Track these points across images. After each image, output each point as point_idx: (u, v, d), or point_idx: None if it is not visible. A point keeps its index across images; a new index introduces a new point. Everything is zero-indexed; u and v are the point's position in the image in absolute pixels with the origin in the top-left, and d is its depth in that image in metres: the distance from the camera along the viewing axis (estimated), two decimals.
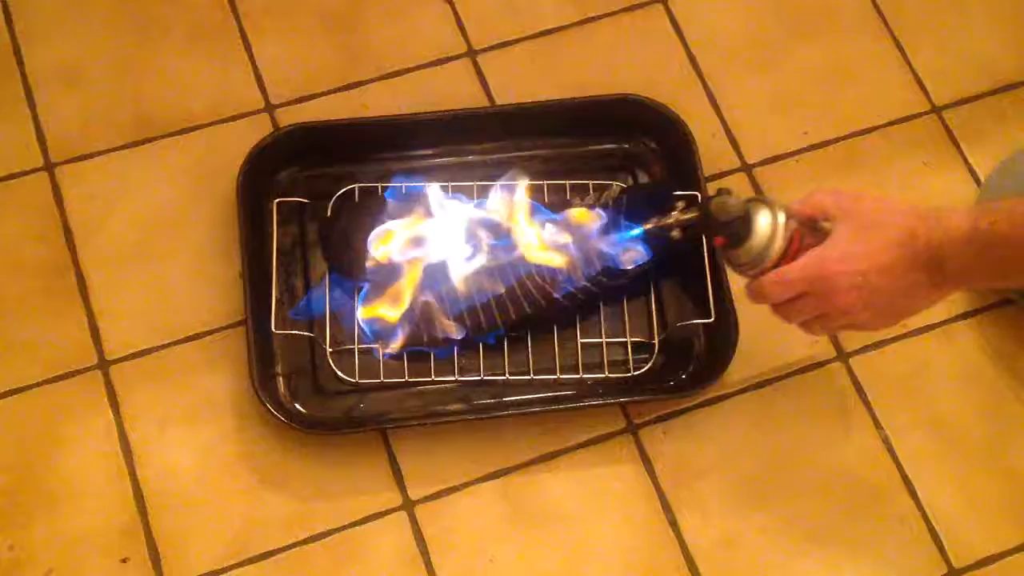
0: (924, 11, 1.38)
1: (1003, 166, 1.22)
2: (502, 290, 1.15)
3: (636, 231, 1.08)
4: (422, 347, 1.17)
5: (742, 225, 0.99)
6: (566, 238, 1.16)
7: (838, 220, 0.97)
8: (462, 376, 1.17)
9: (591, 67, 1.34)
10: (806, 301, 0.99)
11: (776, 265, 0.99)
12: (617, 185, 1.22)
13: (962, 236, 0.93)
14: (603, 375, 1.18)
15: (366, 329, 1.17)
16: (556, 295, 1.16)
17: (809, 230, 0.99)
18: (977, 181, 1.29)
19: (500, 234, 1.16)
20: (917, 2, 1.38)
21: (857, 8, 1.38)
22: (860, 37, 1.37)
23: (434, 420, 1.17)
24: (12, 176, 1.26)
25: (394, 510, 1.14)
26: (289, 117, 1.29)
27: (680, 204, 1.03)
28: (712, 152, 1.28)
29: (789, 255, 0.99)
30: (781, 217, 0.99)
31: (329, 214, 1.22)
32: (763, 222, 0.99)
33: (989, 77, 1.35)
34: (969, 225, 0.92)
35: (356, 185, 1.22)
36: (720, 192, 1.00)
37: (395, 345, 1.16)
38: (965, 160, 1.31)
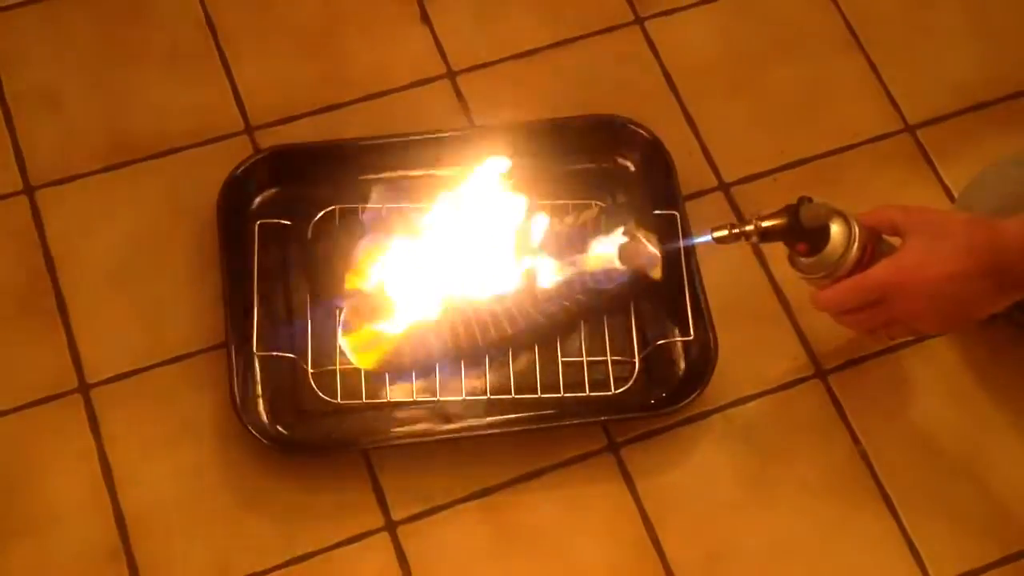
0: (897, 32, 1.39)
1: (975, 182, 1.24)
2: (484, 310, 1.15)
3: (704, 239, 1.08)
4: (404, 367, 1.17)
5: (821, 233, 1.02)
6: (547, 257, 1.16)
7: (909, 232, 1.01)
8: (444, 396, 1.18)
9: (569, 88, 1.35)
10: (878, 309, 1.02)
11: (849, 274, 1.02)
12: (596, 205, 1.23)
13: (1019, 241, 0.98)
14: (584, 394, 1.18)
15: (347, 350, 1.17)
16: (536, 314, 1.17)
17: (874, 242, 1.03)
18: (951, 198, 1.31)
19: (483, 254, 1.16)
20: (890, 23, 1.40)
21: (831, 29, 1.39)
22: (834, 57, 1.38)
23: (416, 439, 1.17)
24: None
25: (376, 531, 1.14)
26: (269, 139, 1.29)
27: (762, 212, 1.04)
28: (689, 171, 1.29)
29: (862, 265, 1.02)
30: (856, 227, 1.02)
31: (310, 235, 1.22)
32: (839, 231, 1.02)
33: (961, 96, 1.36)
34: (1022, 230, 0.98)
35: (336, 207, 1.23)
36: (802, 199, 1.02)
37: (377, 365, 1.16)
38: (939, 178, 1.32)
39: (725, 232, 1.05)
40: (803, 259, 1.04)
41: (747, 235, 1.04)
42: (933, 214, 1.03)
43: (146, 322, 1.21)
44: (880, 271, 1.01)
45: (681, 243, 1.18)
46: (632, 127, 1.27)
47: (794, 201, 1.03)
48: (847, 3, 1.40)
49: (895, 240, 1.04)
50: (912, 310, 1.01)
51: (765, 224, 1.03)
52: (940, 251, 0.99)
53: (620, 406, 1.19)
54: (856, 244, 1.01)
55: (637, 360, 1.20)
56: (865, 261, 1.02)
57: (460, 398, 1.18)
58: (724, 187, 1.31)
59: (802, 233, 1.02)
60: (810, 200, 1.02)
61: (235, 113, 1.31)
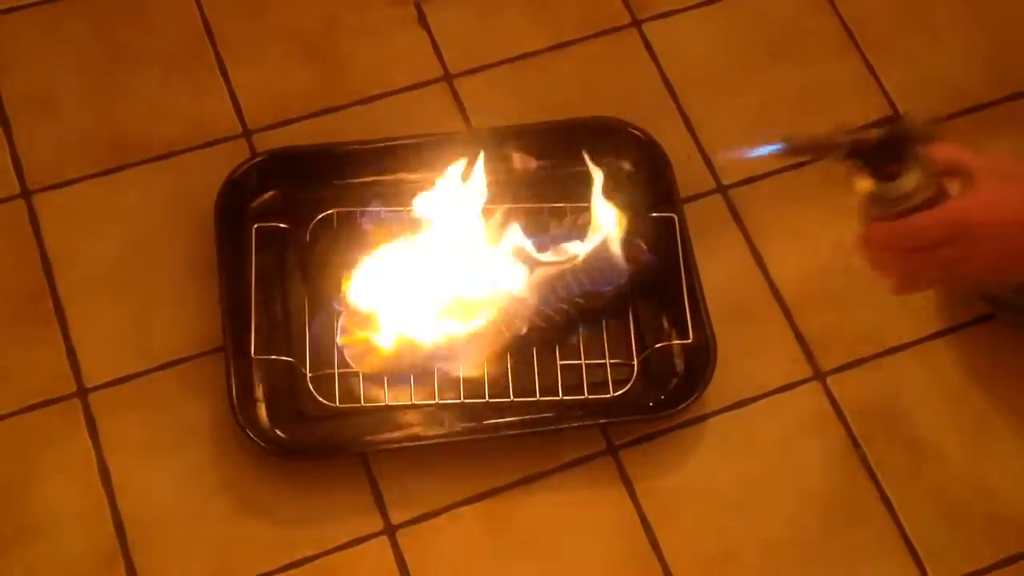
0: (894, 33, 1.40)
1: None
2: (483, 314, 1.15)
3: (774, 148, 0.95)
4: (402, 371, 1.17)
5: (906, 158, 0.93)
6: (544, 261, 1.16)
7: (978, 173, 0.95)
8: (442, 399, 1.17)
9: (566, 90, 1.35)
10: (937, 251, 0.95)
11: (915, 209, 0.93)
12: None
13: None
14: (583, 397, 1.18)
15: (346, 354, 1.17)
16: (534, 317, 1.17)
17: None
18: None
19: (481, 258, 1.16)
20: (887, 24, 1.40)
21: (828, 30, 1.40)
22: (832, 59, 1.38)
23: (414, 443, 1.17)
24: None
25: (375, 535, 1.14)
26: (267, 142, 1.29)
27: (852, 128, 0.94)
28: (688, 174, 1.29)
29: (934, 200, 0.94)
30: (930, 159, 0.94)
31: (308, 239, 1.22)
32: (917, 160, 0.93)
33: (958, 98, 1.36)
34: None
35: (335, 210, 1.23)
36: (905, 115, 0.94)
37: (376, 369, 1.16)
38: None
39: (805, 141, 0.94)
40: (882, 185, 0.94)
41: (833, 148, 0.93)
42: (1002, 157, 0.97)
43: (144, 326, 1.21)
44: (950, 208, 0.93)
45: (747, 153, 1.07)
46: (629, 130, 1.27)
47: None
48: (843, 5, 1.41)
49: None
50: (977, 253, 0.94)
51: (862, 137, 0.92)
52: (1012, 195, 0.94)
53: (619, 409, 1.19)
54: (931, 176, 0.93)
55: (636, 363, 1.20)
56: (937, 196, 0.94)
57: (458, 401, 1.17)
58: (722, 189, 1.31)
59: (897, 152, 0.92)
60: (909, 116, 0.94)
61: (232, 116, 1.31)
